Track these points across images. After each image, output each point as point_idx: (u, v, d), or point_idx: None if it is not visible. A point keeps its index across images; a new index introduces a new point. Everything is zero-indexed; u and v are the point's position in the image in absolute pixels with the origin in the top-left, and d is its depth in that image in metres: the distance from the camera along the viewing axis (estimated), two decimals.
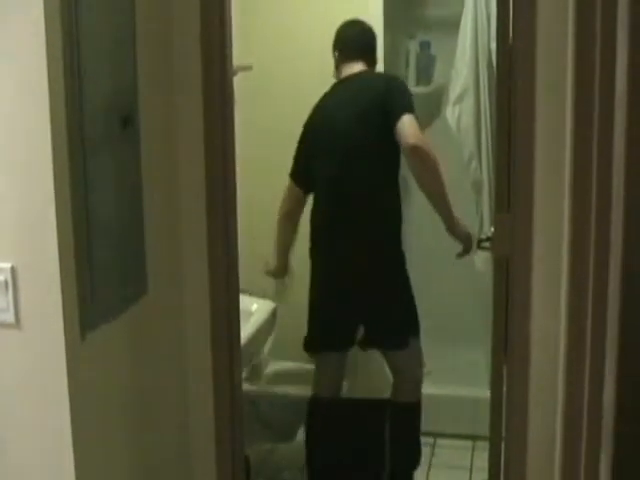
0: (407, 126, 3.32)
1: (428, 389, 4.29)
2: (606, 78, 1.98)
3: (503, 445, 2.47)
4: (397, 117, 3.33)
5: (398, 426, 3.64)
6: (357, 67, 3.64)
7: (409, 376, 3.65)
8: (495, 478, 2.55)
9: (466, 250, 3.52)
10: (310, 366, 3.95)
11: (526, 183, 2.24)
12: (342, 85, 3.66)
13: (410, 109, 3.36)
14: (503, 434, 2.47)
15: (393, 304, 3.57)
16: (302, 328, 4.17)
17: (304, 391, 3.82)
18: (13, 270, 1.90)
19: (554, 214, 2.20)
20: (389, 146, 3.41)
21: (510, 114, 2.31)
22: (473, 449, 4.11)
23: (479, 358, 4.05)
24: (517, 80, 2.26)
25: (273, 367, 3.94)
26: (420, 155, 3.32)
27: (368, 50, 3.70)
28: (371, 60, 3.69)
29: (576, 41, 2.08)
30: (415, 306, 3.63)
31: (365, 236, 3.50)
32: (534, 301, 2.28)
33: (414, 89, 4.67)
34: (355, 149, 3.48)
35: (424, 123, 4.72)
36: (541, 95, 2.20)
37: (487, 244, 3.30)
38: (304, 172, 3.66)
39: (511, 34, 2.35)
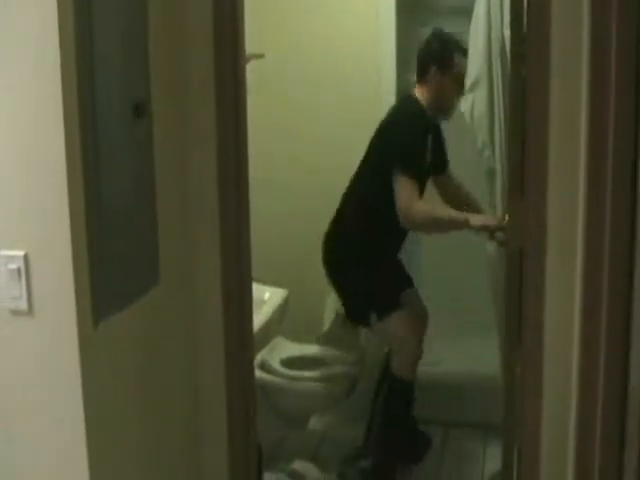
0: (397, 190, 3.55)
1: (439, 377, 4.30)
2: (622, 65, 1.98)
3: (516, 434, 2.47)
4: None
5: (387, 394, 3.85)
6: (415, 88, 3.85)
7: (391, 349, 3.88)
8: (508, 467, 2.54)
9: (491, 232, 3.45)
10: (321, 353, 3.97)
11: (540, 172, 2.23)
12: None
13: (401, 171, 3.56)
14: (516, 423, 2.46)
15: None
16: (313, 313, 4.19)
17: (316, 378, 3.84)
18: (26, 258, 1.91)
19: (568, 202, 2.18)
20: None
21: (524, 102, 2.30)
22: (485, 438, 4.10)
23: (491, 346, 4.03)
24: (531, 68, 2.24)
25: (285, 354, 3.95)
26: (409, 222, 3.58)
27: (417, 67, 3.83)
28: (420, 79, 3.80)
29: (591, 28, 2.06)
30: (370, 289, 3.77)
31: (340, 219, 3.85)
32: (548, 289, 2.27)
33: None
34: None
35: None
36: (555, 83, 2.18)
37: (499, 234, 3.31)
38: None
39: (525, 21, 2.34)
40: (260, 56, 3.70)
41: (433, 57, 3.78)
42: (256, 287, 2.89)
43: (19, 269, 1.91)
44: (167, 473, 2.47)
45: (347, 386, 3.93)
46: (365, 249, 3.77)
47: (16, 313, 1.94)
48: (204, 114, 2.48)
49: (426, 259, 4.56)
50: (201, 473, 2.67)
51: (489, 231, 3.44)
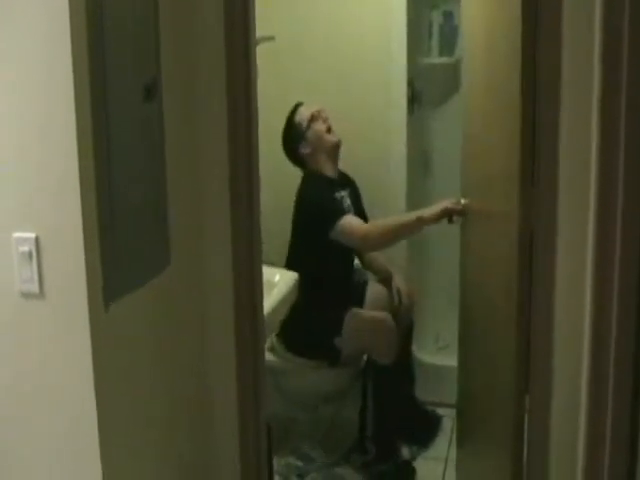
0: (343, 233, 3.78)
1: (448, 362, 4.30)
2: (635, 51, 1.96)
3: (526, 417, 2.46)
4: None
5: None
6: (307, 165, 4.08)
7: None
8: (518, 449, 2.54)
9: (449, 220, 3.57)
10: None
11: (551, 156, 2.22)
12: None
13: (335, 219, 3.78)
14: (527, 407, 2.46)
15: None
16: None
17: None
18: (37, 240, 1.91)
19: (579, 189, 2.17)
20: None
21: (535, 84, 2.28)
22: None
23: None
24: (541, 50, 2.23)
25: None
26: (370, 247, 3.98)
27: (295, 157, 4.08)
28: (302, 155, 4.02)
29: (604, 9, 2.05)
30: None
31: None
32: (558, 277, 2.26)
33: (437, 60, 4.65)
34: None
35: (447, 94, 4.73)
36: (566, 65, 2.17)
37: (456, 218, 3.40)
38: None
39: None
40: (271, 39, 3.69)
41: (291, 138, 4.00)
42: (266, 269, 2.89)
43: (30, 251, 1.91)
44: (178, 454, 2.48)
45: (355, 370, 3.94)
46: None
47: (27, 296, 1.94)
48: (215, 97, 2.48)
49: (433, 245, 4.55)
50: (212, 455, 2.68)
51: (448, 216, 3.50)
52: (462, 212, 3.33)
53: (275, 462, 3.44)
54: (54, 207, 1.89)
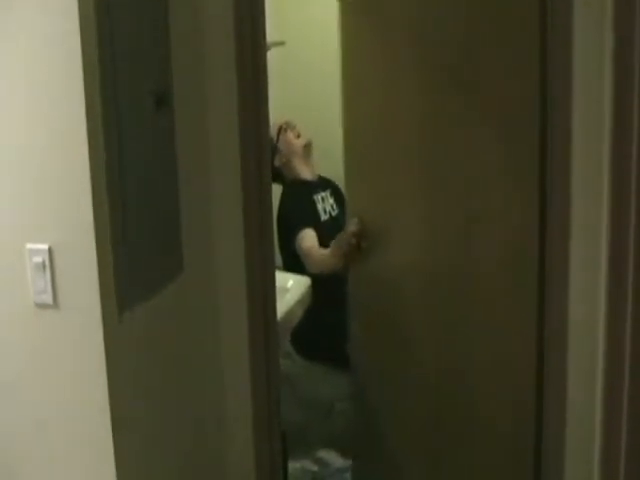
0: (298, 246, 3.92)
1: None
2: None
3: (544, 416, 2.45)
4: None
5: None
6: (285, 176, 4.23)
7: None
8: (535, 453, 2.53)
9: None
10: None
11: (564, 160, 2.22)
12: None
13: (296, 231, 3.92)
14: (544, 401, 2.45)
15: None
16: None
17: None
18: (50, 251, 1.91)
19: (593, 187, 2.16)
20: None
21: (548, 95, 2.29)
22: None
23: None
24: (555, 52, 2.22)
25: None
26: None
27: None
28: (277, 166, 4.09)
29: (615, 20, 2.04)
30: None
31: None
32: (572, 275, 2.25)
33: None
34: None
35: None
36: (578, 67, 2.16)
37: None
38: None
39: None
40: (281, 44, 3.69)
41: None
42: (279, 275, 2.88)
43: (43, 262, 1.92)
44: (192, 460, 2.48)
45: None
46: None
47: (41, 306, 1.95)
48: (225, 103, 2.48)
49: None
50: (226, 460, 2.68)
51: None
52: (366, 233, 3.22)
53: (290, 467, 3.44)
54: (66, 218, 1.90)
